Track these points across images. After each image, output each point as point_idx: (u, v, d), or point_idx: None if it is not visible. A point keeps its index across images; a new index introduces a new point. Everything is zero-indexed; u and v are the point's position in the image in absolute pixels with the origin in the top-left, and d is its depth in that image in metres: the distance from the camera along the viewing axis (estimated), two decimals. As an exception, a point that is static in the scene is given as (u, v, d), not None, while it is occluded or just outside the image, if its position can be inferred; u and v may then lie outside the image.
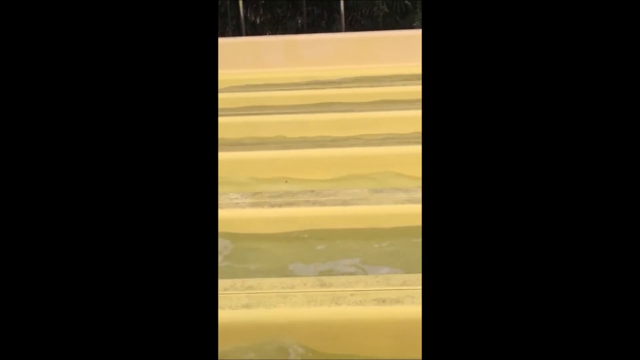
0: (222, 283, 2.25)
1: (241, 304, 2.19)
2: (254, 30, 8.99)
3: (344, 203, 3.17)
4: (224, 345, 1.76)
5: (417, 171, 3.72)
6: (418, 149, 3.89)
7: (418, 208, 3.08)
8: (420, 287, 2.24)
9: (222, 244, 2.88)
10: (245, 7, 8.58)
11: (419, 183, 3.48)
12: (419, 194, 3.23)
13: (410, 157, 3.87)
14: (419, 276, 2.39)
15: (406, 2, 7.98)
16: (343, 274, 2.54)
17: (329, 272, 2.61)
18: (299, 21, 8.97)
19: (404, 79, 5.79)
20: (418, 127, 4.67)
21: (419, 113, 5.12)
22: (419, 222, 3.03)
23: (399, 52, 6.27)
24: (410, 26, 7.59)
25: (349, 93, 5.41)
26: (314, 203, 3.18)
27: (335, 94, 5.41)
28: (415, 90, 5.35)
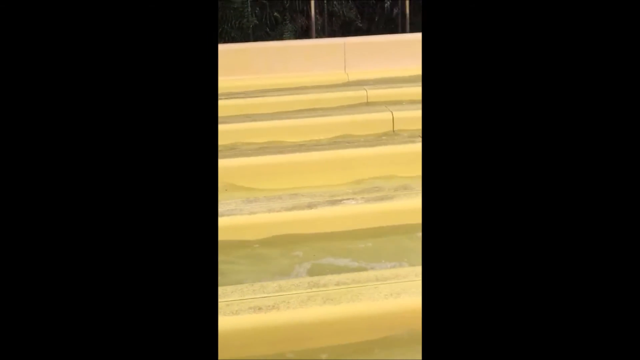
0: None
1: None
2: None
3: (219, 214, 3.17)
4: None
5: (290, 180, 3.80)
6: (293, 157, 3.99)
7: (290, 216, 3.15)
8: (294, 292, 2.29)
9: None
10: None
11: (293, 191, 3.54)
12: (291, 202, 3.29)
13: (282, 166, 3.93)
14: (294, 281, 2.44)
15: (275, 14, 8.08)
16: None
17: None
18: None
19: (276, 89, 5.86)
20: (295, 138, 4.70)
21: (290, 122, 5.14)
22: (291, 230, 3.09)
23: (270, 63, 6.34)
24: (280, 37, 7.68)
25: (219, 105, 5.40)
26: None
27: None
28: (287, 100, 5.44)
